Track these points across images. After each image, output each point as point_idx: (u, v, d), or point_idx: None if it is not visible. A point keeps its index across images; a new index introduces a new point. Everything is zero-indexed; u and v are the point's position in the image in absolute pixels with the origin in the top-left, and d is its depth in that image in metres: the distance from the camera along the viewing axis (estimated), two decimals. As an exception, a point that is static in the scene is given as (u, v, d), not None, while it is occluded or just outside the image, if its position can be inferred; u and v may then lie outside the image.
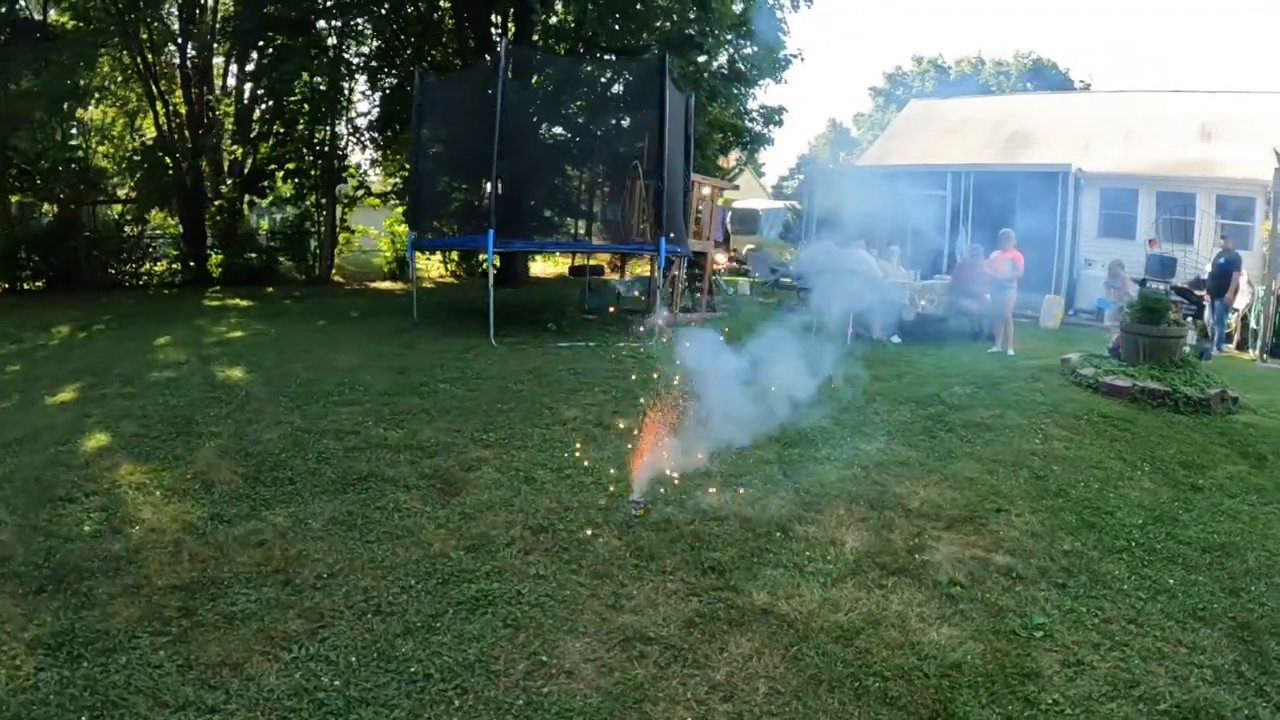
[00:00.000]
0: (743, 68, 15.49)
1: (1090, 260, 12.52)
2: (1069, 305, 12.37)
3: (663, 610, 3.08)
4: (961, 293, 10.29)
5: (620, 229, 11.17)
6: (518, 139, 10.27)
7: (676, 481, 4.32)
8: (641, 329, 9.89)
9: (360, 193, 17.37)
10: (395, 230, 17.69)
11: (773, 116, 16.82)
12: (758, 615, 3.08)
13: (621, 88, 11.63)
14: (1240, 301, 10.44)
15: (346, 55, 16.09)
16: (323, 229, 16.50)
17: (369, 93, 16.86)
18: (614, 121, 11.87)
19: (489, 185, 9.22)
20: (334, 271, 16.79)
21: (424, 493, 4.25)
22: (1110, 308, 11.02)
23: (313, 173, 16.22)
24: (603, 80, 12.27)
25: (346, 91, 16.36)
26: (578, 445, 5.00)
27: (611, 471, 4.58)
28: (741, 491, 4.34)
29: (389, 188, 18.00)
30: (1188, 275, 11.53)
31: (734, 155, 20.64)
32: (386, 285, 16.09)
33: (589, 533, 3.78)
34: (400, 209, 17.42)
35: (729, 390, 6.59)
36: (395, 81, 15.91)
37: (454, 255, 17.79)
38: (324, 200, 16.44)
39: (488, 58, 14.67)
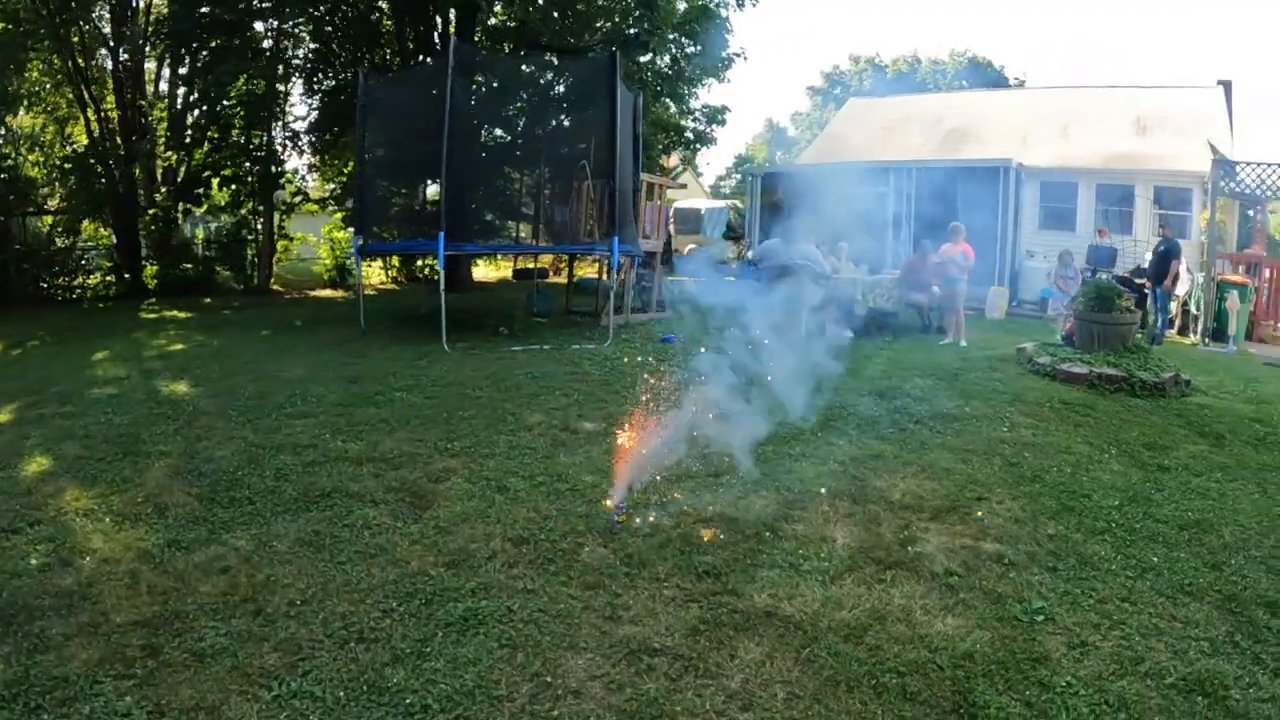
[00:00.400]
0: (685, 67, 15.51)
1: (1032, 252, 12.94)
2: (1013, 296, 12.76)
3: (664, 619, 2.95)
4: (911, 286, 10.47)
5: (568, 230, 11.00)
6: (465, 140, 9.99)
7: (655, 485, 4.21)
8: (594, 330, 9.84)
9: (298, 199, 16.80)
10: (335, 237, 17.16)
11: (715, 116, 16.91)
12: (762, 618, 2.97)
13: (570, 87, 11.45)
14: (1180, 289, 10.93)
15: (283, 57, 15.51)
16: (260, 237, 15.89)
17: (306, 96, 16.30)
18: (562, 121, 11.67)
19: (437, 187, 8.92)
20: (272, 280, 16.18)
21: (393, 507, 4.01)
22: (1054, 297, 11.42)
23: (249, 179, 15.62)
24: (551, 79, 12.08)
25: (283, 95, 15.78)
26: (547, 451, 4.84)
27: (586, 478, 4.45)
28: (722, 492, 4.25)
29: (327, 193, 17.44)
30: (1127, 265, 12.01)
31: (675, 156, 20.69)
32: (327, 293, 15.57)
33: (573, 542, 3.61)
34: (339, 215, 16.90)
35: (693, 390, 6.54)
36: (333, 84, 15.40)
37: (395, 261, 17.32)
38: (261, 207, 15.84)
39: (429, 60, 14.33)
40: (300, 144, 16.25)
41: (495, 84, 11.66)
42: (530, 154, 12.03)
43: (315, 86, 15.79)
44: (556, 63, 12.18)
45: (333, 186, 17.28)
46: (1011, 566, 3.50)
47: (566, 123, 11.57)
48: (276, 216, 16.24)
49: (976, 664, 2.73)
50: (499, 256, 19.13)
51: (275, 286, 16.08)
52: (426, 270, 17.28)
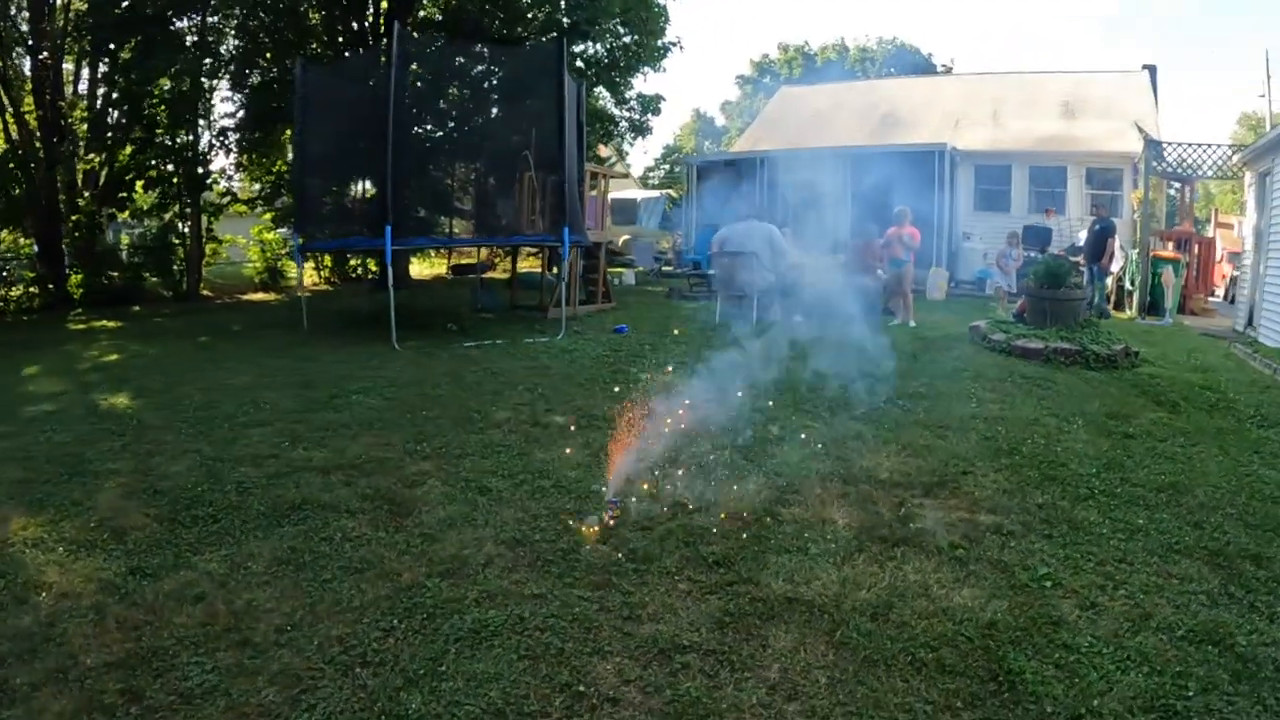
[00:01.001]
0: (620, 57, 15.36)
1: (969, 234, 13.36)
2: (950, 277, 13.14)
3: (685, 614, 2.83)
4: (858, 269, 10.63)
5: (511, 223, 10.73)
6: (407, 132, 9.59)
7: (639, 477, 4.09)
8: (544, 324, 9.65)
9: (227, 199, 15.95)
10: (265, 238, 16.36)
11: (651, 106, 16.81)
12: (784, 605, 2.90)
13: (511, 76, 11.12)
14: (1114, 265, 11.44)
15: (209, 53, 14.63)
16: (189, 241, 15.02)
17: (233, 93, 15.43)
18: (503, 111, 11.32)
19: (381, 181, 8.52)
20: (202, 285, 15.35)
21: (371, 517, 3.76)
22: (992, 277, 11.81)
23: (175, 180, 14.74)
24: (491, 69, 11.70)
25: (209, 92, 14.92)
26: (521, 448, 4.67)
27: (568, 473, 4.31)
28: (711, 480, 4.16)
29: (256, 193, 16.62)
30: (1062, 244, 12.51)
31: (608, 146, 20.52)
32: (259, 296, 14.85)
33: (570, 541, 3.46)
34: (268, 215, 16.11)
35: (658, 380, 6.45)
36: (261, 80, 14.62)
37: (327, 261, 16.63)
38: (188, 209, 14.97)
39: (360, 50, 13.74)
40: (228, 143, 15.41)
41: (433, 75, 11.24)
42: (471, 146, 11.66)
43: (243, 83, 14.97)
44: (495, 52, 11.82)
45: (261, 186, 16.47)
46: (1010, 536, 3.55)
47: (507, 113, 11.23)
48: (204, 219, 15.42)
49: (1001, 632, 2.74)
50: (435, 253, 18.60)
51: (205, 292, 15.29)
52: (359, 269, 16.63)
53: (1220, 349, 8.74)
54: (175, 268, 14.97)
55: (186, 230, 15.07)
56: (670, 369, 6.78)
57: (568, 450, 4.67)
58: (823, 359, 7.22)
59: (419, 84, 10.89)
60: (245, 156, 15.55)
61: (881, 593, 3.00)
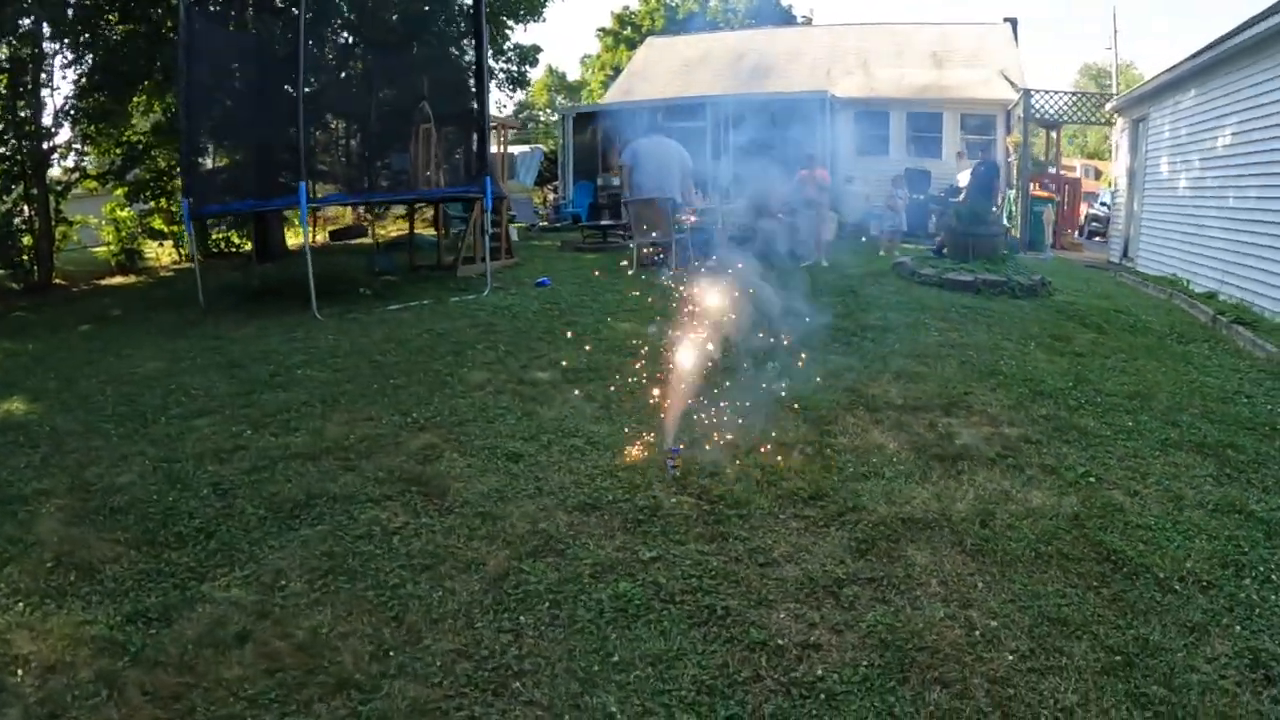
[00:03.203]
0: (499, 6, 14.45)
1: (850, 178, 13.96)
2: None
3: (819, 551, 2.78)
4: (762, 213, 10.83)
5: (409, 177, 9.90)
6: (310, 78, 8.47)
7: (675, 425, 3.93)
8: (459, 281, 9.06)
9: (76, 176, 13.54)
10: (119, 216, 14.13)
11: (529, 57, 16.08)
12: (902, 526, 2.96)
13: (419, 13, 10.06)
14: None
15: (47, 14, 11.99)
16: (36, 225, 12.62)
17: (79, 56, 12.86)
18: (418, 54, 10.21)
19: (289, 133, 7.52)
20: (54, 274, 13.01)
21: (402, 502, 3.34)
22: (880, 218, 12.47)
23: (18, 158, 12.23)
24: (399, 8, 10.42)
25: (50, 57, 12.38)
26: (524, 409, 4.36)
27: (594, 428, 4.09)
28: (743, 420, 4.08)
29: (107, 167, 14.21)
30: (941, 186, 13.40)
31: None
32: (119, 280, 12.82)
33: (648, 497, 3.27)
34: (121, 191, 13.88)
35: (620, 327, 6.25)
36: (109, 41, 12.30)
37: (185, 236, 14.66)
38: (34, 190, 12.53)
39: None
40: (75, 113, 12.96)
41: (340, 15, 9.91)
42: (366, 95, 10.48)
43: (98, 38, 12.52)
44: None
45: (111, 159, 14.08)
46: (1039, 444, 3.82)
47: (418, 57, 10.18)
48: (52, 199, 12.99)
49: (1085, 522, 3.00)
50: (315, 218, 16.90)
51: (58, 281, 12.97)
52: (223, 244, 14.80)
53: (1108, 278, 9.84)
54: (23, 255, 12.57)
55: (32, 213, 12.67)
56: (624, 318, 6.60)
57: (575, 405, 4.41)
58: (769, 299, 7.32)
59: (325, 22, 9.61)
60: (94, 127, 13.17)
61: (974, 503, 3.15)
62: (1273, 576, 2.65)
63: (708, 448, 3.72)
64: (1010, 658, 2.19)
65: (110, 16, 12.22)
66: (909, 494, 3.21)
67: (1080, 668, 2.16)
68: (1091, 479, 3.41)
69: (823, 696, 2.08)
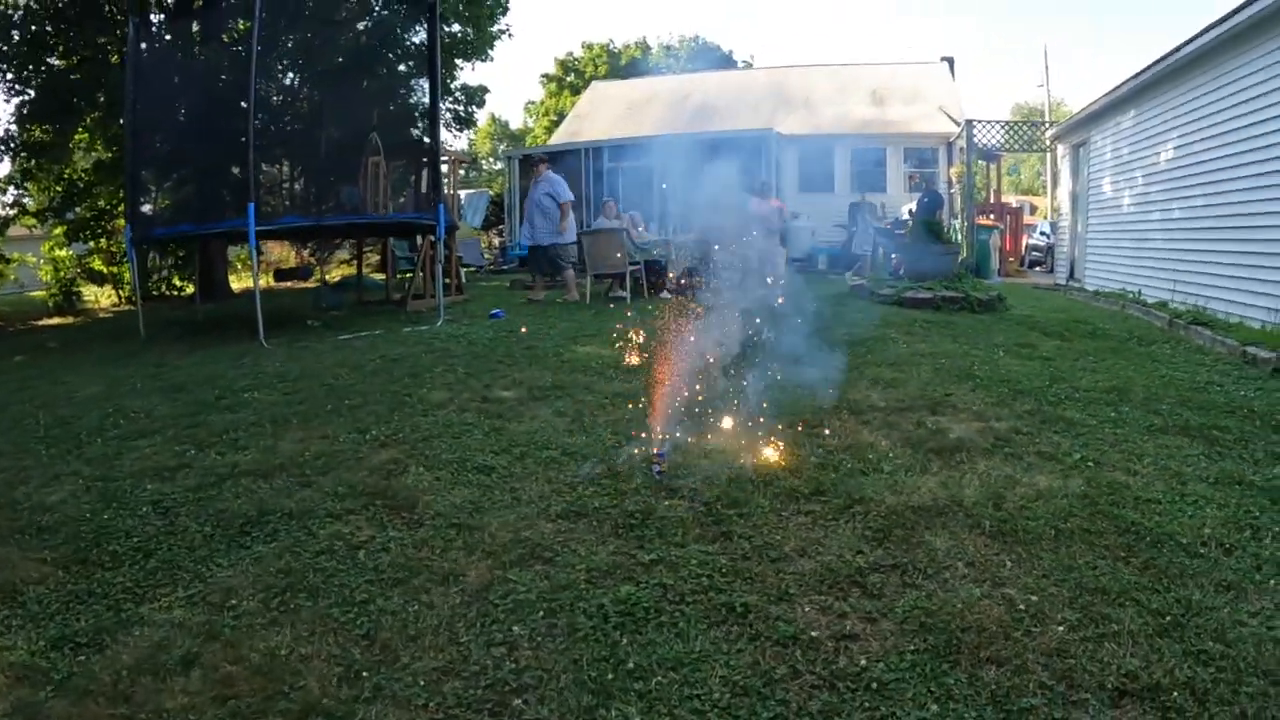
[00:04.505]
0: (448, 45, 14.41)
1: (796, 214, 14.23)
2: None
3: (832, 542, 2.59)
4: (716, 243, 10.87)
5: (360, 208, 9.62)
6: (260, 104, 8.17)
7: (651, 432, 3.75)
8: (412, 316, 8.77)
9: (15, 212, 12.79)
10: (57, 256, 13.38)
11: (475, 96, 16.06)
12: (914, 513, 2.81)
13: (373, 44, 9.86)
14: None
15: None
16: None
17: (23, 85, 12.24)
18: (370, 81, 9.96)
19: (241, 155, 7.19)
20: None
21: (367, 517, 3.03)
22: (824, 252, 12.71)
23: None
24: (359, 31, 10.16)
25: None
26: (491, 425, 4.10)
27: (568, 440, 3.86)
28: (728, 427, 3.91)
29: (46, 203, 13.47)
30: (888, 218, 13.71)
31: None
32: (57, 321, 12.13)
33: (637, 503, 3.04)
34: (60, 229, 13.16)
35: (582, 350, 6.08)
36: (47, 71, 11.77)
37: (126, 276, 13.96)
38: None
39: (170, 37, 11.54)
40: (14, 145, 12.27)
41: (294, 38, 9.63)
42: (315, 126, 10.17)
43: (28, 75, 11.95)
44: (361, 10, 10.33)
45: (51, 196, 13.37)
46: (1030, 435, 3.76)
47: (370, 85, 9.93)
48: None
49: (1096, 500, 2.93)
50: (251, 263, 16.31)
51: None
52: (164, 286, 14.12)
53: (1059, 296, 10.13)
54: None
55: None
56: (584, 342, 6.43)
57: (545, 420, 4.18)
58: (731, 320, 7.26)
59: (275, 46, 9.33)
60: (33, 161, 12.49)
61: (982, 488, 3.04)
62: (1290, 535, 2.61)
63: (694, 454, 3.52)
64: (1061, 629, 2.04)
65: (56, 43, 11.78)
66: (914, 484, 3.08)
67: (1134, 632, 2.03)
68: (1090, 463, 3.36)
69: (873, 687, 1.87)
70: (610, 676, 1.98)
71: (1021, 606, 2.15)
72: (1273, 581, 2.31)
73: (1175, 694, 1.81)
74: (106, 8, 12.16)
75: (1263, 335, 5.77)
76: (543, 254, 9.54)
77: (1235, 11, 6.80)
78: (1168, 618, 2.09)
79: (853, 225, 11.57)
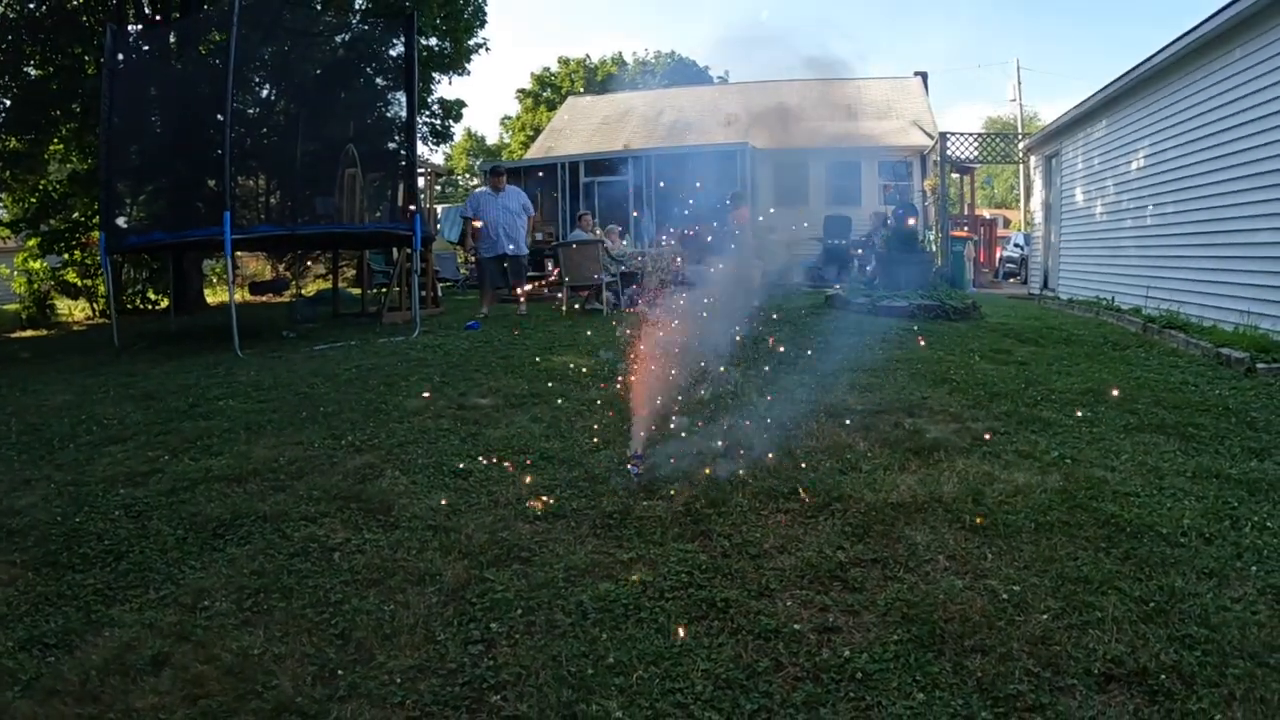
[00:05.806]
0: (425, 59, 14.41)
1: (772, 228, 14.32)
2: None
3: (811, 538, 2.58)
4: (694, 254, 10.93)
5: (337, 214, 9.54)
6: (237, 115, 8.09)
7: (635, 437, 3.72)
8: (386, 328, 8.69)
9: None
10: (31, 267, 13.13)
11: (453, 111, 16.05)
12: (893, 509, 2.81)
13: (352, 56, 9.82)
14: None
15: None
16: None
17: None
18: (349, 93, 9.89)
19: (217, 163, 7.12)
20: None
21: (341, 519, 2.98)
22: (806, 266, 12.81)
23: None
24: (337, 43, 10.12)
25: None
26: (467, 431, 4.07)
27: (545, 444, 3.83)
28: (708, 431, 3.89)
29: (20, 214, 13.20)
30: (862, 231, 13.87)
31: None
32: (28, 334, 11.86)
33: (616, 504, 3.01)
34: (33, 241, 12.92)
35: (559, 359, 6.05)
36: (35, 74, 11.59)
37: (102, 289, 13.73)
38: None
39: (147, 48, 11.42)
40: None
41: (278, 48, 9.56)
42: (292, 135, 10.09)
43: (4, 85, 11.74)
44: (340, 25, 10.30)
45: (25, 207, 13.11)
46: (1008, 435, 3.79)
47: (349, 97, 9.86)
48: None
49: (1079, 495, 2.95)
50: (224, 279, 16.09)
51: None
52: (138, 299, 13.87)
53: (1033, 305, 10.27)
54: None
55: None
56: (560, 352, 6.40)
57: (522, 426, 4.14)
58: (708, 329, 7.27)
59: (255, 56, 9.26)
60: (7, 173, 12.25)
61: (961, 485, 3.05)
62: (1268, 524, 2.65)
63: (669, 458, 3.49)
64: (1044, 618, 2.03)
65: (33, 53, 11.62)
66: (893, 482, 3.08)
67: (1118, 619, 2.03)
68: (1068, 460, 3.38)
69: (857, 677, 1.85)
70: (590, 672, 1.94)
71: (1004, 596, 2.14)
72: (1254, 568, 2.33)
73: (1162, 677, 1.81)
74: (83, 18, 12.04)
75: (1236, 337, 5.88)
76: (513, 264, 9.53)
77: (1202, 24, 7.02)
78: (1151, 604, 2.10)
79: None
